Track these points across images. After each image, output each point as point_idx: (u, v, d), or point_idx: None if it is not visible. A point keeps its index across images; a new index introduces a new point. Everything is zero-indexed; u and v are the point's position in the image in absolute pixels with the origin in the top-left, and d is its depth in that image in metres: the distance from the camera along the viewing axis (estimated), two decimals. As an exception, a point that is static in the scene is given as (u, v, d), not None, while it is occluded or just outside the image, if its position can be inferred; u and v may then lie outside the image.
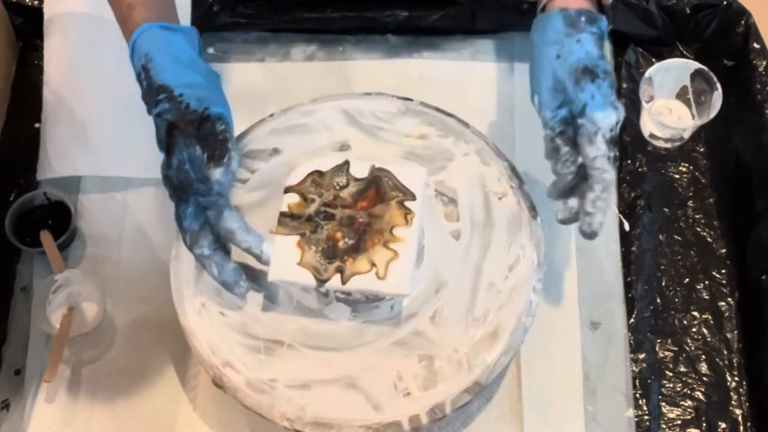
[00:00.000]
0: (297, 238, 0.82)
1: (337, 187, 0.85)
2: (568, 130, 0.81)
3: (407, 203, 0.84)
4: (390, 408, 0.81)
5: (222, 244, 0.83)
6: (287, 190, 0.85)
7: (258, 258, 0.83)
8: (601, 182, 0.80)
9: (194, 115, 0.79)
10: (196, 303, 0.85)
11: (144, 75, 0.80)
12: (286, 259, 0.81)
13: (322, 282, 0.80)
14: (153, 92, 0.80)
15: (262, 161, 0.92)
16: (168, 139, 0.79)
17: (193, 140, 0.79)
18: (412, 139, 0.92)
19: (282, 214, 0.84)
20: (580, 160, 0.82)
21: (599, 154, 0.80)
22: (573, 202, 0.84)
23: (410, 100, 0.94)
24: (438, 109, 0.94)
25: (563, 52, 0.81)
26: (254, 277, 0.85)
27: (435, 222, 0.88)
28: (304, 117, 0.94)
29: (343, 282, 0.80)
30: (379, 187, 0.84)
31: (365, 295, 0.82)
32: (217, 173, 0.79)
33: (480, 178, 0.90)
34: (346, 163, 0.86)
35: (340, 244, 0.82)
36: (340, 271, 0.81)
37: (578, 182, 0.83)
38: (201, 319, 0.85)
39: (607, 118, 0.79)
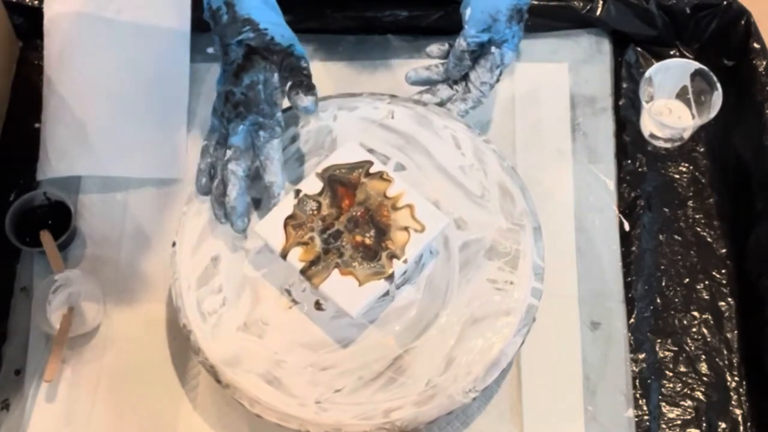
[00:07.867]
0: (335, 271, 0.81)
1: (315, 213, 0.84)
2: (477, 51, 0.92)
3: (371, 170, 0.85)
4: (513, 302, 0.84)
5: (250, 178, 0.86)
6: (284, 255, 0.82)
7: (271, 197, 0.85)
8: (476, 102, 0.94)
9: (279, 47, 0.85)
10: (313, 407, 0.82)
11: (226, 9, 0.85)
12: (348, 292, 0.81)
13: (390, 278, 0.81)
14: (237, 24, 0.85)
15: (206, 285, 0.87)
16: (244, 60, 0.84)
17: (274, 67, 0.85)
18: (289, 149, 0.92)
19: (303, 270, 0.82)
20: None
21: (491, 82, 0.93)
22: (443, 92, 0.95)
23: None
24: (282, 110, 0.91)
25: None
26: None
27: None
28: (195, 218, 0.90)
29: (405, 260, 0.81)
30: (341, 181, 0.85)
31: (415, 260, 0.84)
32: (306, 101, 0.84)
33: (363, 121, 0.93)
34: (298, 191, 0.85)
35: (368, 241, 0.83)
36: (393, 257, 0.82)
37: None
38: (325, 413, 0.81)
39: (513, 57, 0.93)
